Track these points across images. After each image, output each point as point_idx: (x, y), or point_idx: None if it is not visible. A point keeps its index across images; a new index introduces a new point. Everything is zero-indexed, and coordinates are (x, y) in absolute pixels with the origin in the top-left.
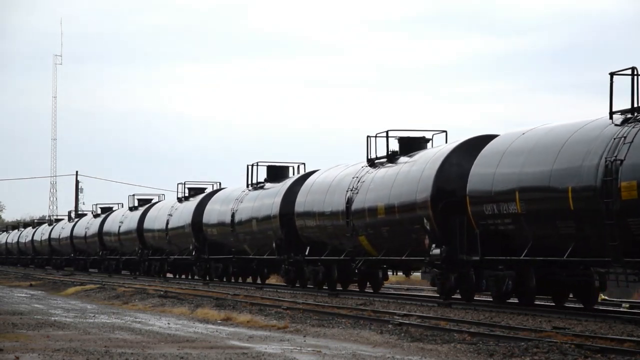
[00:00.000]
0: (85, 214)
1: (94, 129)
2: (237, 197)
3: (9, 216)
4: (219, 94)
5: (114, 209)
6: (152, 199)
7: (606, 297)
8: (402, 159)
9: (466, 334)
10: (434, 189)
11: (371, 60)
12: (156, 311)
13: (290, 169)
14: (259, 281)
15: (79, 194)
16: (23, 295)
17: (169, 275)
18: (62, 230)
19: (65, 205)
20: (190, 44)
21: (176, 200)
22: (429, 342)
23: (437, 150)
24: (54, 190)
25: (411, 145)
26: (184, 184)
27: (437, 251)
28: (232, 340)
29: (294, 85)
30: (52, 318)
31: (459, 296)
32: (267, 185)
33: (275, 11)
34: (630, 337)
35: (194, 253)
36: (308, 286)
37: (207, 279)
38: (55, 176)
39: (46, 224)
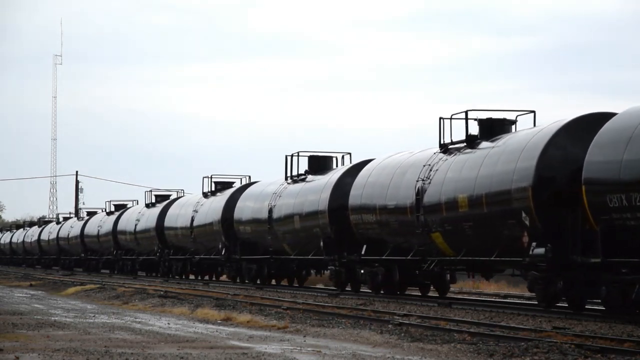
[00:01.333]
0: (96, 212)
1: (94, 129)
2: (275, 192)
3: (9, 216)
4: (220, 94)
5: (128, 205)
6: (170, 195)
7: None
8: (485, 143)
9: (466, 334)
10: (535, 176)
11: (371, 60)
12: (156, 311)
13: (334, 160)
14: (295, 284)
15: (79, 194)
16: (23, 295)
17: (191, 276)
18: (72, 229)
19: (65, 206)
20: (190, 44)
21: (201, 195)
22: (429, 342)
23: (536, 131)
24: (54, 190)
25: (493, 127)
26: (210, 177)
27: (540, 250)
28: (232, 340)
29: (295, 84)
30: (52, 318)
31: (565, 304)
32: (311, 177)
33: (276, 11)
34: (630, 337)
35: (223, 253)
36: (361, 290)
37: (238, 280)
38: (55, 176)
39: (54, 222)
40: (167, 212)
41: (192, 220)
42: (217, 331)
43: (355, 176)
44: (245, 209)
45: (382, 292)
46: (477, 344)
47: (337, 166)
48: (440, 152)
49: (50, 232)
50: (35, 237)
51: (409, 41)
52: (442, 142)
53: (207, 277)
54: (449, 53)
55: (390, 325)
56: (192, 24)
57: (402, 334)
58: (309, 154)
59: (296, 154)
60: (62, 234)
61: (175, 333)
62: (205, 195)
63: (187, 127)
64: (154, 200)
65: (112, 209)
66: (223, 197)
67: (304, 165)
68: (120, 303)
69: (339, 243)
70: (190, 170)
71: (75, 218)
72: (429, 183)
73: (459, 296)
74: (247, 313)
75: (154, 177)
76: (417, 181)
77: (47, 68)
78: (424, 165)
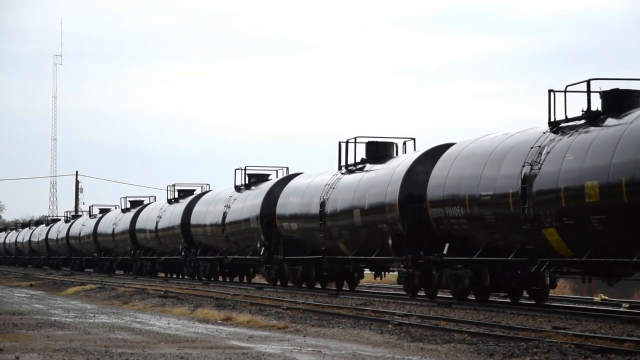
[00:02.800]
0: (109, 209)
1: (94, 129)
2: (328, 183)
3: (9, 216)
4: (220, 94)
5: (145, 202)
6: (194, 190)
7: (606, 297)
8: (611, 120)
9: (466, 334)
10: None
11: (380, 60)
12: (156, 311)
13: (394, 146)
14: (345, 287)
15: (79, 194)
16: (23, 295)
17: (220, 277)
18: (83, 227)
19: (65, 205)
20: (190, 44)
21: (233, 189)
22: (429, 342)
23: None
24: (54, 190)
25: (620, 100)
26: (244, 169)
27: None
28: (232, 340)
29: (295, 85)
30: (52, 318)
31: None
32: (370, 166)
33: (276, 13)
34: (630, 337)
35: (262, 253)
36: (439, 295)
37: (279, 283)
38: (55, 176)
39: (62, 221)
40: (193, 208)
41: (224, 216)
42: (217, 331)
43: (430, 164)
44: (290, 204)
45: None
46: (477, 344)
47: (397, 154)
48: (550, 132)
49: (59, 230)
50: (43, 236)
51: (419, 41)
52: (552, 120)
53: (236, 279)
54: (455, 53)
55: (390, 325)
56: (192, 24)
57: (402, 334)
58: (366, 139)
59: (352, 140)
60: (73, 232)
61: (175, 333)
62: (238, 189)
63: (188, 127)
64: (176, 196)
65: (128, 205)
66: (258, 191)
67: (356, 154)
68: (120, 303)
69: (414, 241)
70: (190, 171)
71: (87, 216)
72: (540, 168)
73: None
74: (247, 313)
75: (154, 177)
76: (523, 166)
77: (47, 68)
78: (532, 147)
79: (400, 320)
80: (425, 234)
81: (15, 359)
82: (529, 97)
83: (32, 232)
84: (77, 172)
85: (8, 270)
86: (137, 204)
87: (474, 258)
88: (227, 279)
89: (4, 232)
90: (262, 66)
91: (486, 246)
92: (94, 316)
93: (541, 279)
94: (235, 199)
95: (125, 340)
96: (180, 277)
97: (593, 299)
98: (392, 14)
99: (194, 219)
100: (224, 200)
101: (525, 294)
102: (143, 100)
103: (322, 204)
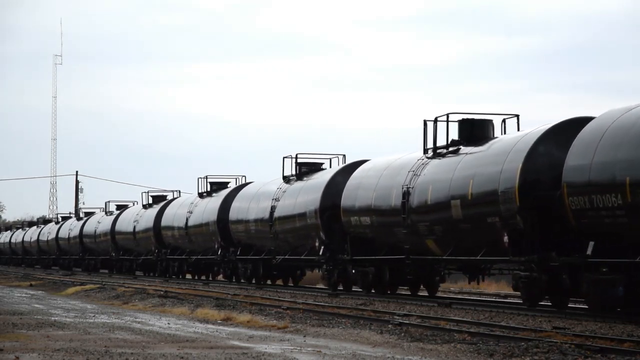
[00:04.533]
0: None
1: (94, 129)
2: (412, 169)
3: (9, 216)
4: (221, 94)
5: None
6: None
7: None
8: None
9: (466, 334)
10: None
11: (376, 60)
12: (156, 311)
13: (491, 125)
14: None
15: (79, 194)
16: (23, 295)
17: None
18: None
19: (65, 206)
20: (190, 43)
21: (281, 180)
22: (429, 342)
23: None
24: (54, 190)
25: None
26: (296, 157)
27: None
28: (232, 340)
29: (301, 84)
30: (52, 318)
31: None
32: (466, 149)
33: (284, 11)
34: (630, 337)
35: (321, 252)
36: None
37: (341, 287)
38: (55, 176)
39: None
40: (231, 202)
41: (272, 211)
42: (217, 331)
43: (558, 142)
44: (360, 195)
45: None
46: (477, 344)
47: (494, 134)
48: None
49: (49, 232)
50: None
51: (415, 40)
52: None
53: (279, 282)
54: (454, 53)
55: (390, 325)
56: (191, 24)
57: (402, 334)
58: (460, 116)
59: (443, 118)
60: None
61: (175, 333)
62: (287, 180)
63: (188, 127)
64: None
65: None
66: (316, 181)
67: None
68: (120, 303)
69: (537, 238)
70: (191, 170)
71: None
72: None
73: (459, 296)
74: (247, 313)
75: (154, 177)
76: None
77: (47, 68)
78: None
79: (400, 320)
80: (556, 230)
81: (16, 359)
82: (530, 97)
83: (41, 230)
84: (77, 172)
85: (8, 270)
86: (160, 199)
87: (637, 261)
88: (268, 281)
89: (9, 231)
90: (262, 66)
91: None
92: (94, 316)
93: None
94: (285, 192)
95: (125, 340)
96: (212, 278)
97: None
98: (392, 14)
99: (233, 215)
100: (271, 193)
101: None
102: (143, 100)
103: (406, 194)
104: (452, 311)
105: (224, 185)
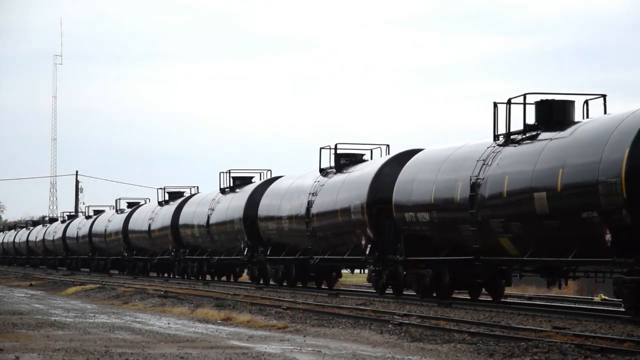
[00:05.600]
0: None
1: (94, 129)
2: (481, 158)
3: (9, 216)
4: (221, 94)
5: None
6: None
7: (606, 297)
8: None
9: (466, 334)
10: None
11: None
12: (156, 311)
13: (573, 107)
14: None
15: (79, 194)
16: (23, 295)
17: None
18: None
19: (65, 206)
20: (191, 43)
21: (319, 174)
22: (429, 342)
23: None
24: (54, 190)
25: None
26: (335, 148)
27: None
28: (232, 340)
29: (298, 84)
30: (52, 318)
31: None
32: (547, 134)
33: (278, 13)
34: (630, 337)
35: (367, 251)
36: None
37: (393, 291)
38: (55, 176)
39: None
40: (259, 198)
41: (309, 206)
42: (217, 331)
43: None
44: (416, 188)
45: None
46: (477, 344)
47: (574, 117)
48: None
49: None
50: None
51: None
52: None
53: (303, 285)
54: (454, 53)
55: (390, 325)
56: (191, 24)
57: (402, 334)
58: (538, 97)
59: (521, 98)
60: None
61: (175, 333)
62: (324, 172)
63: (188, 126)
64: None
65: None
66: (356, 173)
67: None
68: (120, 303)
69: None
70: (191, 170)
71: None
72: None
73: (459, 296)
74: (247, 313)
75: (154, 177)
76: None
77: (47, 68)
78: None
79: (400, 320)
80: None
81: (16, 359)
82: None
83: (46, 230)
84: (77, 172)
85: (8, 270)
86: (177, 196)
87: None
88: (296, 283)
89: (13, 230)
90: (263, 66)
91: None
92: (94, 316)
93: None
94: (323, 185)
95: (125, 340)
96: (235, 280)
97: (593, 298)
98: (393, 14)
99: (263, 211)
100: (307, 188)
101: None
102: (143, 100)
103: (474, 187)
104: (452, 311)
105: (248, 180)
